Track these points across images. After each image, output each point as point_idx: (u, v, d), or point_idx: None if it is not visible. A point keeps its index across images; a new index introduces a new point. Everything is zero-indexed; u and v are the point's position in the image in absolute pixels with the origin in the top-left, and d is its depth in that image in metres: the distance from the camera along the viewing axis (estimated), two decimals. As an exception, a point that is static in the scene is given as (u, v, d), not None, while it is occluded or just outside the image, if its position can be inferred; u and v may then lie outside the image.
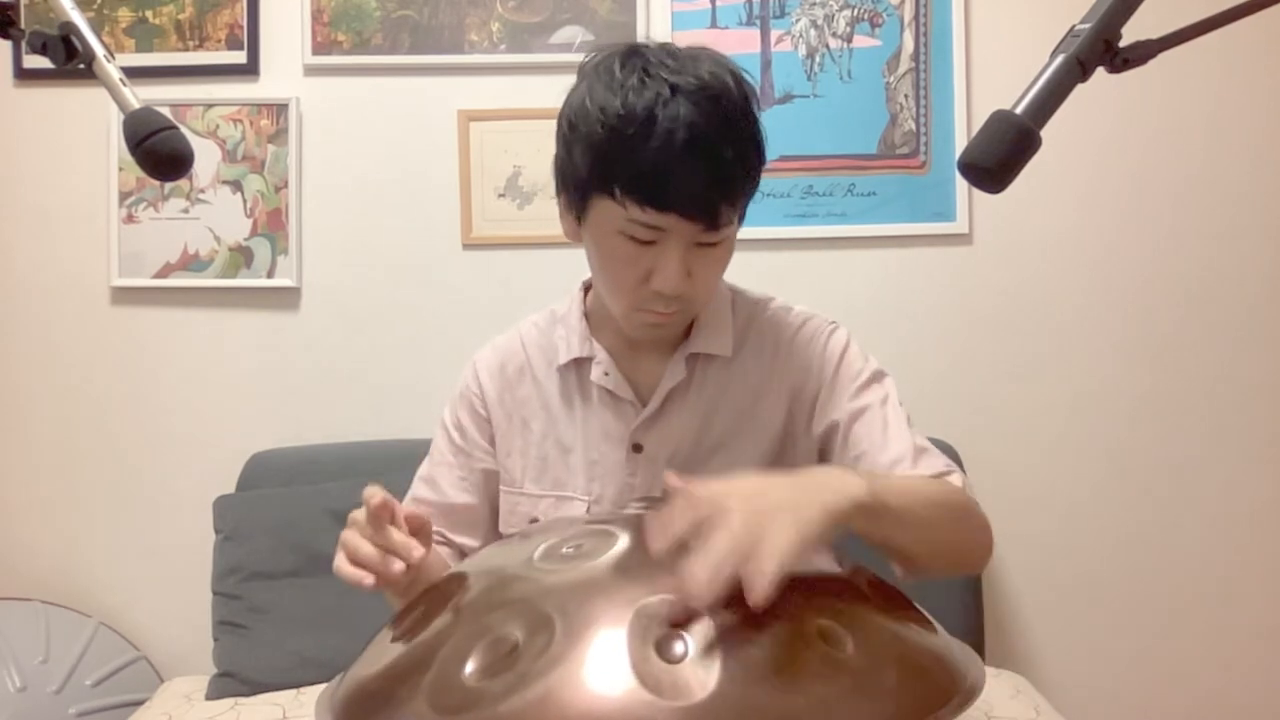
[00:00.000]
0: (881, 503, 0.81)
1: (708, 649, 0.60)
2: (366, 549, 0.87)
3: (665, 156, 0.94)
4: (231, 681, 1.74)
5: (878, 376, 1.14)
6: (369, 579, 0.86)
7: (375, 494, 0.88)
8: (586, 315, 1.17)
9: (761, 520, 0.70)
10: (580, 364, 1.16)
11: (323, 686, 0.77)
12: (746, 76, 1.03)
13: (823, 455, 1.14)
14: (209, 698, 1.73)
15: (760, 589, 0.66)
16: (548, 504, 1.16)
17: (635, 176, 0.96)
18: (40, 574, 2.03)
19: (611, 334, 1.15)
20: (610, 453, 1.14)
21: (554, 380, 1.17)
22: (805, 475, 0.81)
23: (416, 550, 0.87)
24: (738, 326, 1.17)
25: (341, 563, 0.89)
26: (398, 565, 0.86)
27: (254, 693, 1.71)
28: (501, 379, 1.19)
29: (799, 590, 0.67)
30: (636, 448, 1.13)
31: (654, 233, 0.99)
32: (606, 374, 1.14)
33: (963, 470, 1.80)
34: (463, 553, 1.20)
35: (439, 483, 1.20)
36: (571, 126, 1.01)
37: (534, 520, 1.15)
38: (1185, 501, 2.06)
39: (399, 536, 0.88)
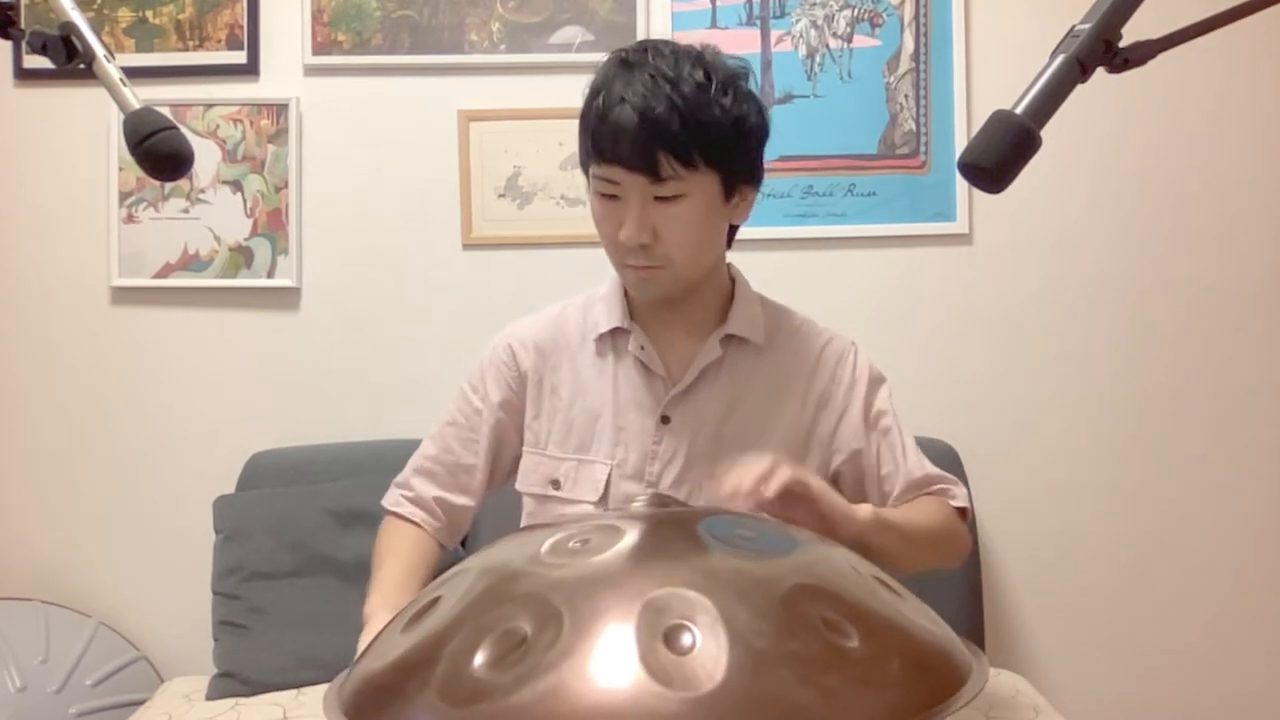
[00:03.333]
0: (876, 543, 1.06)
1: (715, 640, 0.61)
2: None
3: (607, 115, 1.09)
4: (231, 681, 1.74)
5: (889, 400, 1.28)
6: None
7: None
8: (626, 294, 1.26)
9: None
10: (616, 335, 1.25)
11: (324, 686, 0.76)
12: (728, 61, 1.14)
13: (852, 463, 1.25)
14: (209, 698, 1.73)
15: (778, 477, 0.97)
16: (569, 466, 1.24)
17: (592, 137, 1.12)
18: (40, 574, 2.03)
19: (648, 314, 1.24)
20: (638, 421, 1.23)
21: (588, 350, 1.26)
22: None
23: None
24: (766, 325, 1.26)
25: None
26: None
27: (254, 693, 1.71)
28: (536, 351, 1.28)
29: (806, 582, 0.68)
30: (665, 419, 1.22)
31: (612, 186, 1.12)
32: (642, 348, 1.23)
33: (963, 477, 1.83)
34: (456, 514, 1.27)
35: (448, 441, 1.29)
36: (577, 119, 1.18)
37: (554, 481, 1.24)
38: (1186, 501, 2.06)
39: None
